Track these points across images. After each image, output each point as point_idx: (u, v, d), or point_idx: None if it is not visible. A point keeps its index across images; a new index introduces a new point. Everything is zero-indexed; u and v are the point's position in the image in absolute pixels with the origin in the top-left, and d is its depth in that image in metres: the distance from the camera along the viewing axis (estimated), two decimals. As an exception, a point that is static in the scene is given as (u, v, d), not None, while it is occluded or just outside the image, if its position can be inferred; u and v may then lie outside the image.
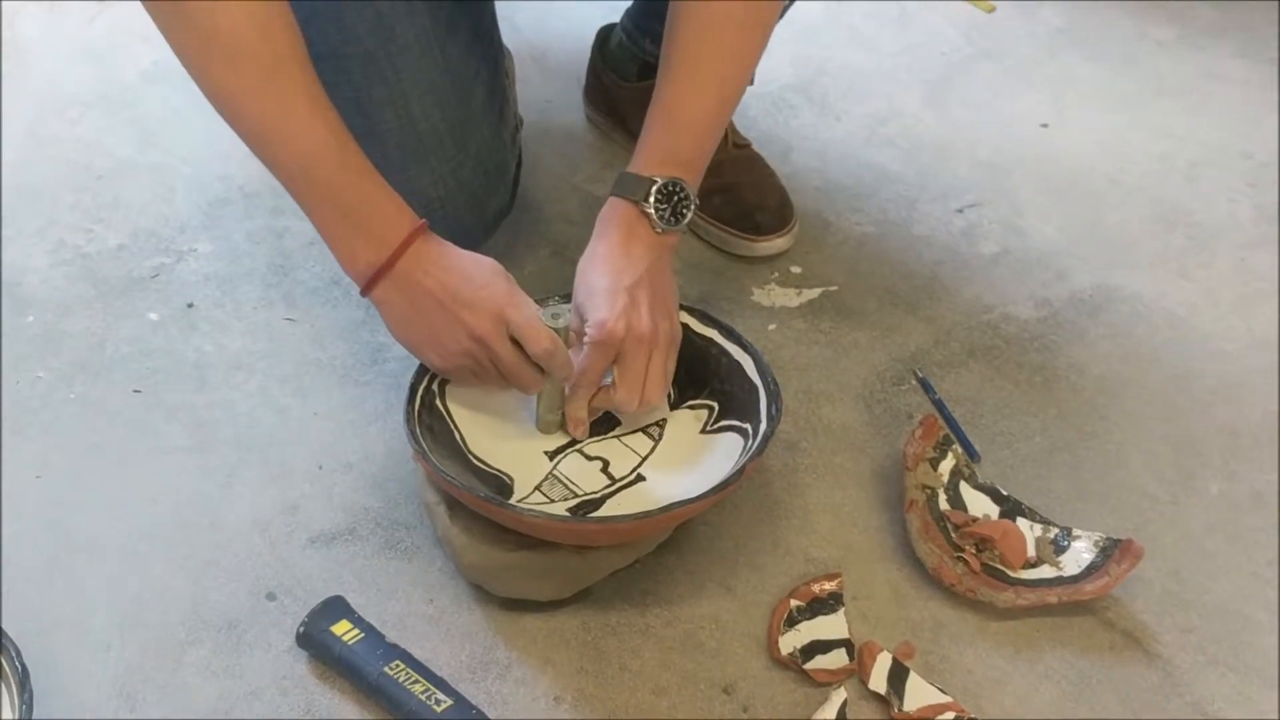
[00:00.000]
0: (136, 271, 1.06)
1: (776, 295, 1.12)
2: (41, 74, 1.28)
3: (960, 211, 1.24)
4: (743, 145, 1.18)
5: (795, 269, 1.15)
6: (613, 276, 0.86)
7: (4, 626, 0.73)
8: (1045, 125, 1.38)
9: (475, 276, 0.83)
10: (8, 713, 0.70)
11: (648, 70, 1.15)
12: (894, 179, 1.27)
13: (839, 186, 1.25)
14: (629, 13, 1.21)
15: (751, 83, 1.21)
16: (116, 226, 1.10)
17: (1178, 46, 1.53)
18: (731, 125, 1.17)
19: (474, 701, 0.76)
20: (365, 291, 0.84)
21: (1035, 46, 1.51)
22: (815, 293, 1.12)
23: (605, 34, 1.25)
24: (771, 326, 1.08)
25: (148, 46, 1.28)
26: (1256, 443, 1.01)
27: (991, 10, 1.56)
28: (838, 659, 0.82)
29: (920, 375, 1.04)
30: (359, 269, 0.83)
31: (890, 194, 1.25)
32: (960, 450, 0.94)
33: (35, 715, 0.69)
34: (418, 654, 0.79)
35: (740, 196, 1.14)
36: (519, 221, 1.12)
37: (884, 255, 1.17)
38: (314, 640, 0.78)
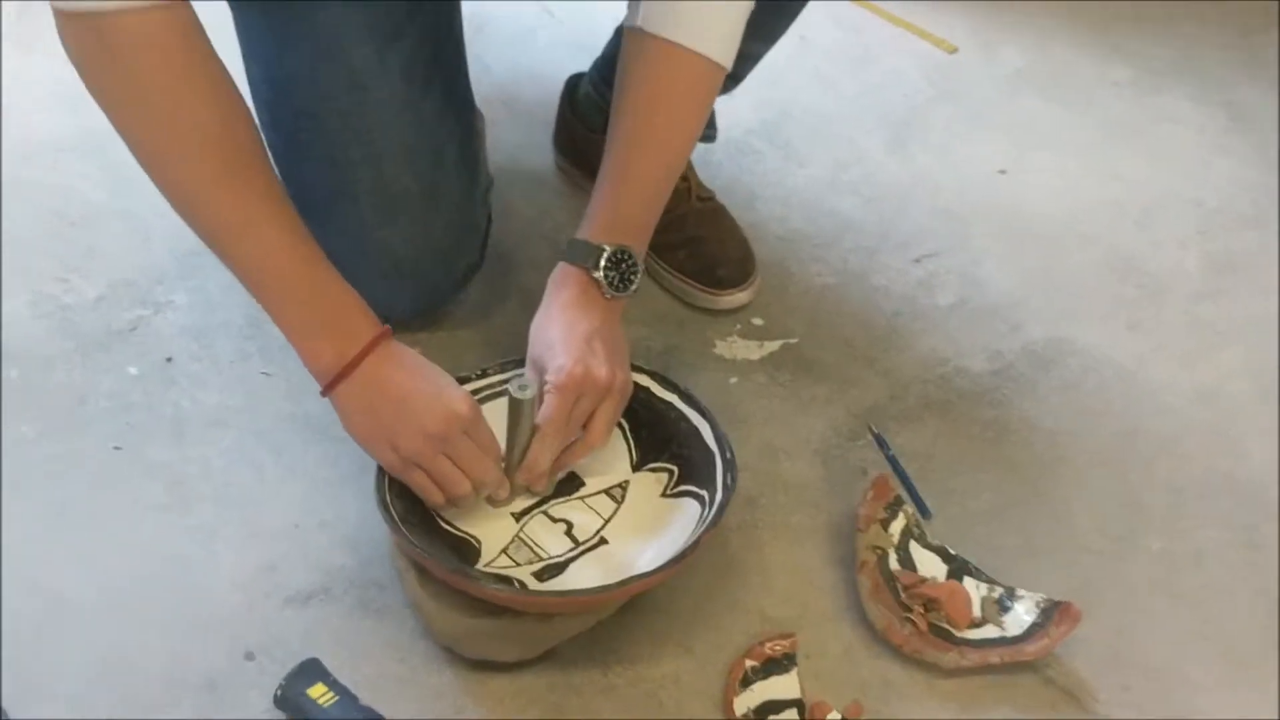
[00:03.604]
0: (115, 324, 1.08)
1: (738, 348, 1.15)
2: (13, 118, 1.29)
3: (918, 261, 1.28)
4: (706, 198, 1.21)
5: (757, 320, 1.18)
6: (567, 328, 0.90)
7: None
8: (1003, 171, 1.42)
9: (432, 380, 0.86)
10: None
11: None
12: (855, 227, 1.31)
13: (801, 235, 1.29)
14: (596, 65, 1.24)
15: (714, 139, 1.25)
16: (94, 277, 1.12)
17: (1133, 89, 1.58)
18: (695, 177, 1.21)
19: (443, 762, 0.80)
20: (326, 391, 0.86)
21: (994, 88, 1.55)
22: (776, 345, 1.16)
23: (574, 83, 1.28)
24: (733, 380, 1.12)
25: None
26: (1198, 499, 1.06)
27: (953, 51, 1.60)
28: (788, 719, 0.86)
29: (875, 431, 1.08)
30: (322, 368, 0.86)
31: (851, 243, 1.29)
32: (911, 510, 0.98)
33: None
34: (389, 714, 0.82)
35: (703, 250, 1.17)
36: (488, 272, 1.14)
37: (843, 306, 1.21)
38: (291, 703, 0.82)
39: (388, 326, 0.88)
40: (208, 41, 0.82)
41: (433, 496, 0.86)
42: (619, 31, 1.19)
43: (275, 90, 1.01)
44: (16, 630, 0.86)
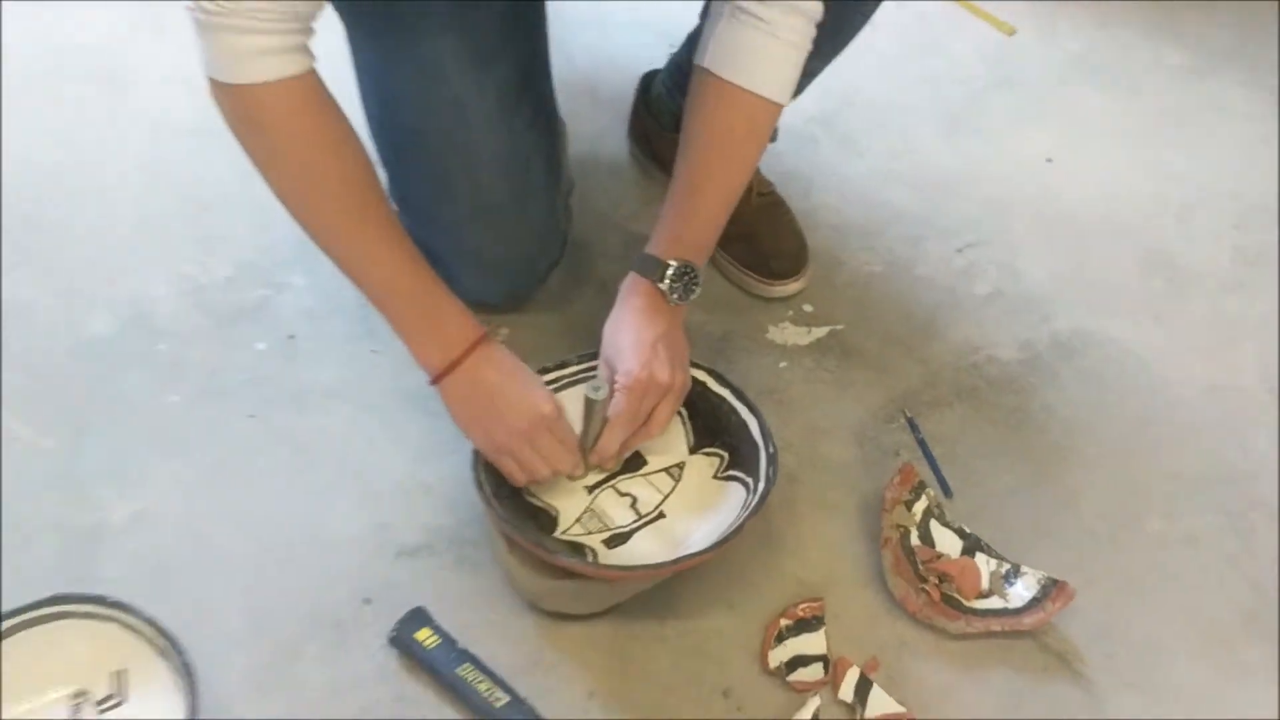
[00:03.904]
0: (243, 303, 1.25)
1: (789, 334, 1.29)
2: (147, 102, 1.44)
3: (960, 251, 1.39)
4: (766, 193, 1.33)
5: (807, 307, 1.31)
6: (635, 334, 1.04)
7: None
8: (1050, 160, 1.51)
9: (521, 381, 1.01)
10: (183, 703, 0.91)
11: (680, 122, 1.30)
12: (903, 216, 1.42)
13: (853, 224, 1.40)
14: (668, 68, 1.35)
15: (775, 139, 1.36)
16: (223, 259, 1.29)
17: (1186, 75, 1.64)
18: (758, 173, 1.33)
19: (523, 695, 0.97)
20: (433, 382, 1.02)
21: (1050, 74, 1.63)
22: (823, 331, 1.29)
23: (647, 82, 1.40)
24: (783, 364, 1.26)
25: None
26: (1197, 487, 1.19)
27: (1012, 32, 1.67)
28: (815, 672, 1.01)
29: (909, 416, 1.21)
30: (431, 365, 1.01)
31: (899, 232, 1.40)
32: (933, 492, 1.12)
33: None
34: (482, 655, 0.99)
35: (760, 243, 1.30)
36: (567, 261, 1.28)
37: (887, 295, 1.33)
38: (402, 643, 1.00)
39: (485, 331, 1.03)
40: (331, 100, 0.96)
41: (517, 479, 1.02)
42: (690, 39, 1.30)
43: (383, 107, 1.15)
44: (181, 578, 1.04)
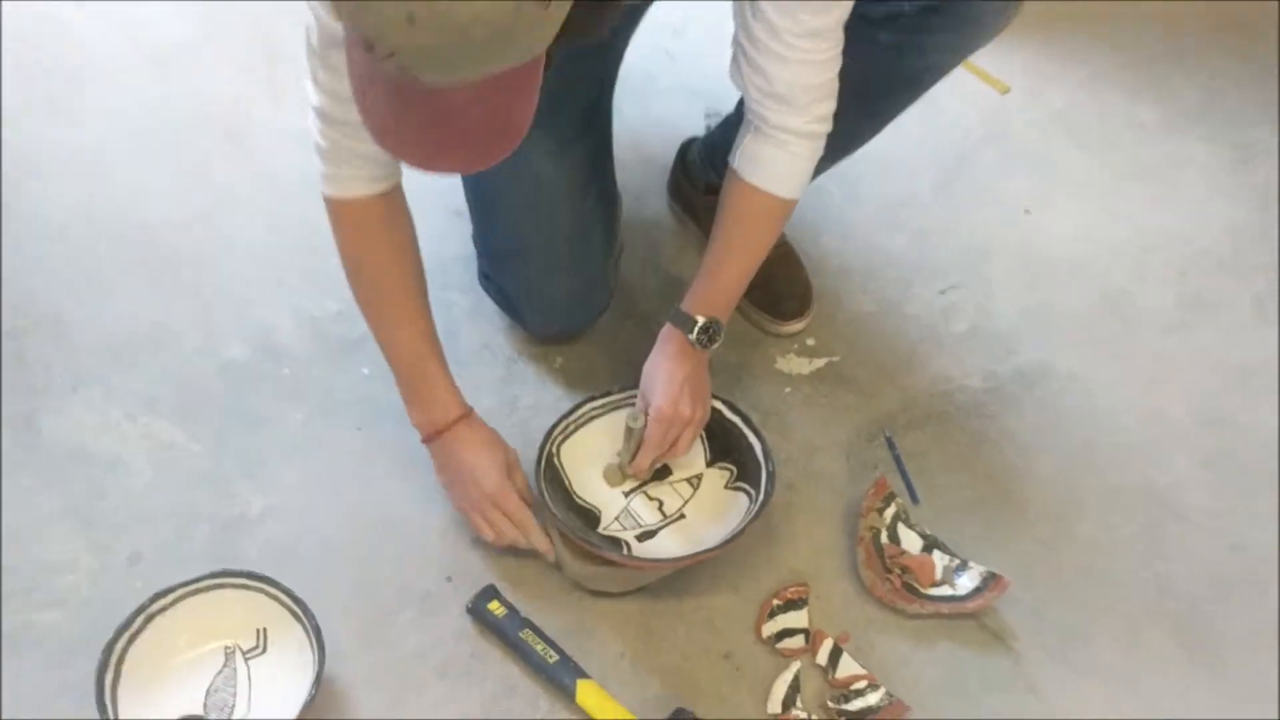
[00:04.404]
0: (351, 334, 1.53)
1: (794, 364, 1.55)
2: (270, 159, 1.73)
3: (943, 293, 1.64)
4: (780, 245, 1.59)
5: (810, 341, 1.57)
6: (667, 375, 1.32)
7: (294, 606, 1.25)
8: (1028, 211, 1.75)
9: (483, 459, 1.29)
10: (311, 654, 1.21)
11: (712, 188, 1.55)
12: (897, 261, 1.67)
13: (853, 268, 1.66)
14: (703, 141, 1.61)
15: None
16: (334, 295, 1.56)
17: (1156, 131, 1.86)
18: (772, 227, 1.58)
19: (570, 654, 1.26)
20: (423, 442, 1.32)
21: (1035, 130, 1.86)
22: (822, 362, 1.55)
23: (686, 147, 1.66)
24: (787, 390, 1.52)
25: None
26: (1124, 500, 1.43)
27: (1006, 91, 1.90)
28: (798, 642, 1.29)
29: (888, 435, 1.47)
30: (420, 430, 1.31)
31: (892, 275, 1.65)
32: (901, 501, 1.38)
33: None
34: (538, 622, 1.28)
35: (773, 288, 1.56)
36: (613, 300, 1.55)
37: (878, 332, 1.59)
38: (477, 612, 1.29)
39: (466, 411, 1.31)
40: (399, 213, 1.24)
41: (484, 533, 1.31)
42: (723, 123, 1.56)
43: (477, 175, 1.41)
44: (300, 559, 1.33)
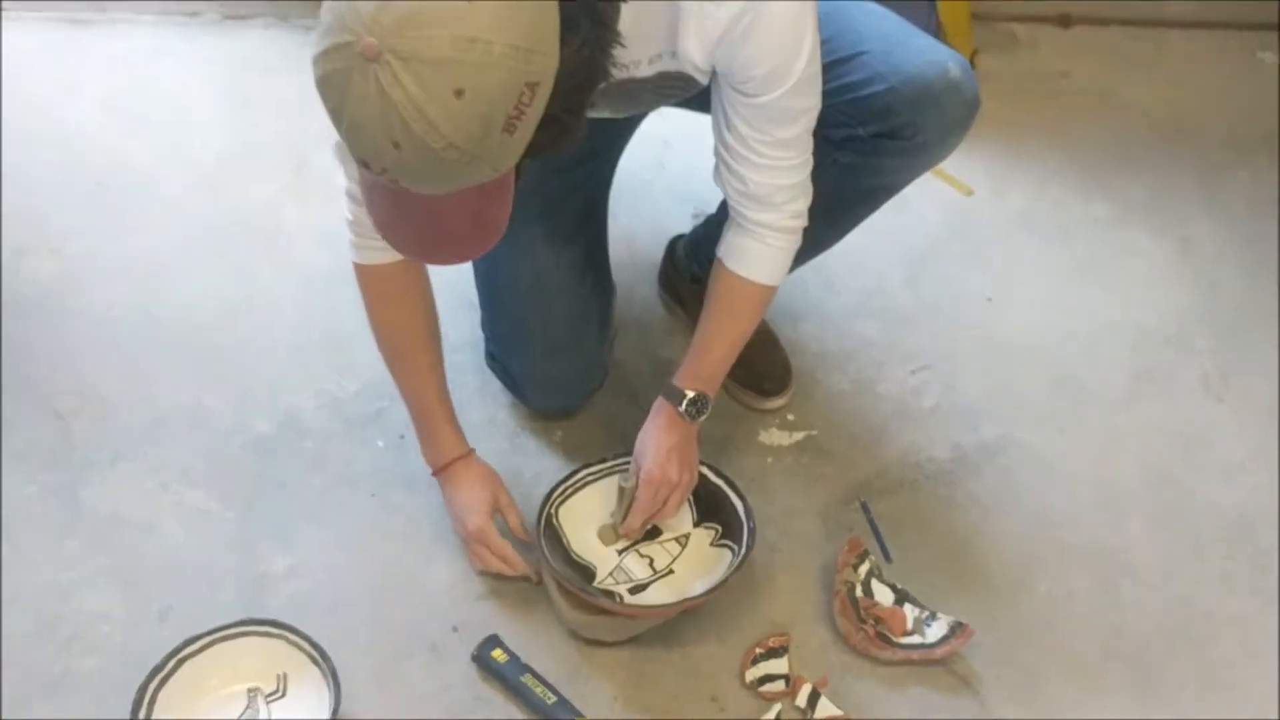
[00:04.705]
0: (367, 411, 1.68)
1: (775, 436, 1.68)
2: (296, 257, 1.90)
3: (913, 373, 1.78)
4: (762, 330, 1.73)
5: (790, 416, 1.71)
6: (657, 443, 1.45)
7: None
8: (990, 299, 1.90)
9: (471, 499, 1.46)
10: (328, 696, 1.31)
11: (697, 278, 1.71)
12: (871, 345, 1.82)
13: (830, 351, 1.80)
14: (690, 236, 1.78)
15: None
16: (353, 378, 1.71)
17: (1107, 225, 2.03)
18: (754, 313, 1.74)
19: (567, 697, 1.36)
20: (432, 475, 1.50)
21: (997, 227, 2.03)
22: (801, 435, 1.69)
23: (674, 242, 1.83)
24: (769, 459, 1.65)
25: (366, 238, 1.90)
26: (1079, 558, 1.55)
27: (969, 193, 2.08)
28: (779, 686, 1.40)
29: (863, 501, 1.60)
30: (427, 462, 1.50)
31: (866, 357, 1.80)
32: (874, 558, 1.50)
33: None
34: (537, 668, 1.39)
35: (755, 368, 1.70)
36: (607, 379, 1.70)
37: (854, 408, 1.73)
38: (481, 660, 1.40)
39: (466, 452, 1.48)
40: (417, 280, 1.41)
41: (473, 561, 1.47)
42: (707, 221, 1.73)
43: (486, 267, 1.57)
44: (323, 609, 1.45)
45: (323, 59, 0.93)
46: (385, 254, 1.34)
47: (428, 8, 0.89)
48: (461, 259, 1.13)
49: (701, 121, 1.38)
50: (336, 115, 0.95)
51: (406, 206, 1.04)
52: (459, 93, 0.90)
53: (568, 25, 0.96)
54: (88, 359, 1.73)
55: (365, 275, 1.39)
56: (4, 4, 2.37)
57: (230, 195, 2.01)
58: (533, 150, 1.00)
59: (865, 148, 1.38)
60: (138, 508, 1.55)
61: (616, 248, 1.82)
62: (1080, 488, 1.64)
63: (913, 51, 1.35)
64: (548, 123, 0.98)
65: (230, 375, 1.72)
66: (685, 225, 1.89)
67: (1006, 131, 2.16)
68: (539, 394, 1.64)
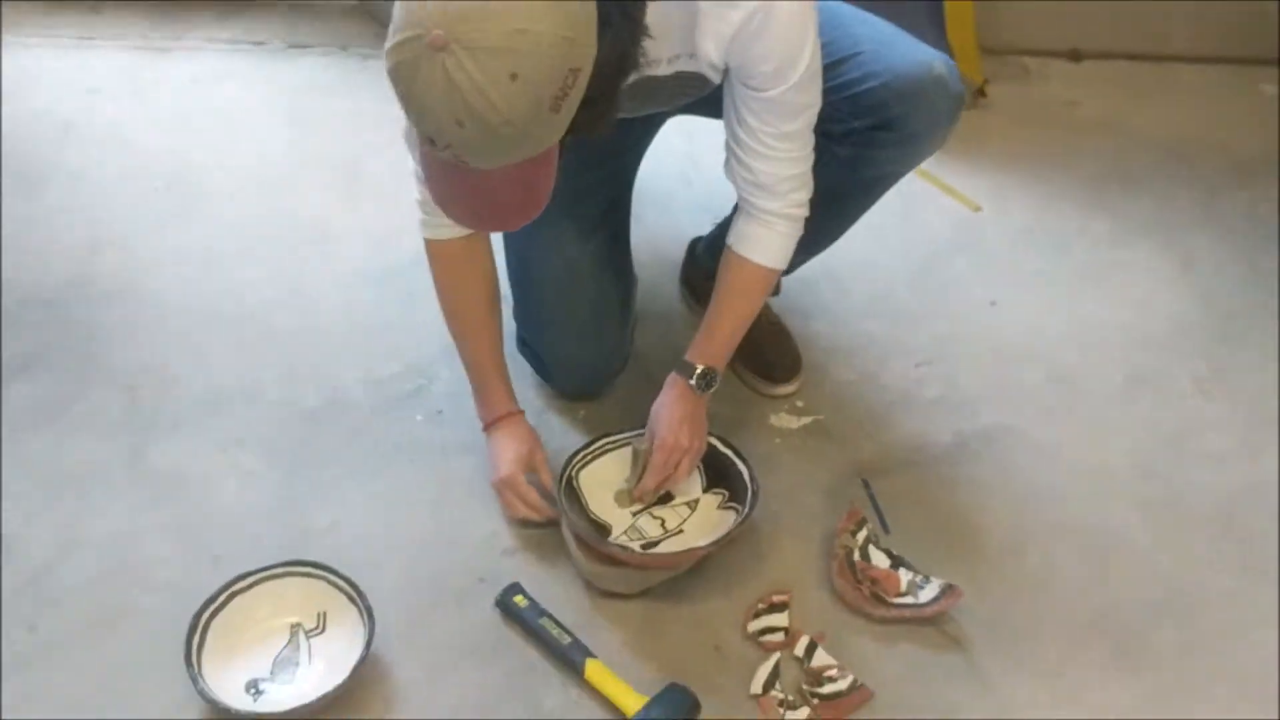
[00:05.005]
0: (406, 389, 1.82)
1: (784, 420, 1.80)
2: (347, 256, 2.06)
3: (917, 367, 1.89)
4: (774, 322, 1.86)
5: (799, 403, 1.83)
6: (669, 412, 1.58)
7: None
8: (993, 303, 2.01)
9: (508, 452, 1.60)
10: (362, 632, 1.43)
11: (713, 275, 1.82)
12: (876, 341, 1.93)
13: (838, 347, 1.92)
14: (709, 237, 1.91)
15: (778, 293, 1.89)
16: (394, 360, 1.86)
17: (1107, 241, 2.14)
18: (769, 310, 1.86)
19: (582, 640, 1.47)
20: (482, 430, 1.64)
21: (1001, 241, 2.15)
22: (809, 419, 1.80)
23: (694, 243, 1.96)
24: (778, 440, 1.77)
25: (412, 239, 2.04)
26: (1069, 534, 1.64)
27: (977, 209, 2.20)
28: (778, 637, 1.50)
29: (864, 478, 1.71)
30: (480, 417, 1.64)
31: (872, 352, 1.91)
32: (871, 526, 1.61)
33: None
34: (555, 613, 1.50)
35: (766, 357, 1.83)
36: (631, 364, 1.82)
37: (859, 396, 1.84)
38: (504, 605, 1.51)
39: (512, 410, 1.62)
40: (479, 250, 1.55)
41: (506, 511, 1.61)
42: (723, 222, 1.86)
43: (518, 260, 1.72)
44: (357, 559, 1.57)
45: (394, 51, 1.08)
46: (451, 230, 1.50)
47: (487, 5, 1.04)
48: (511, 226, 1.28)
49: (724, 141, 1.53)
50: (406, 99, 1.10)
51: (465, 182, 1.18)
52: (514, 76, 1.05)
53: (603, 20, 1.11)
54: (153, 339, 1.89)
55: (433, 249, 1.55)
56: (96, 34, 2.60)
57: (286, 200, 2.18)
58: (574, 128, 1.15)
59: (862, 140, 1.51)
60: (196, 468, 1.69)
61: (642, 250, 1.96)
62: (1074, 473, 1.73)
63: (903, 51, 1.49)
64: (587, 104, 1.13)
65: (281, 356, 1.87)
66: (705, 230, 2.03)
67: (1014, 153, 2.29)
68: (565, 376, 1.77)
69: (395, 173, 2.19)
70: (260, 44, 2.62)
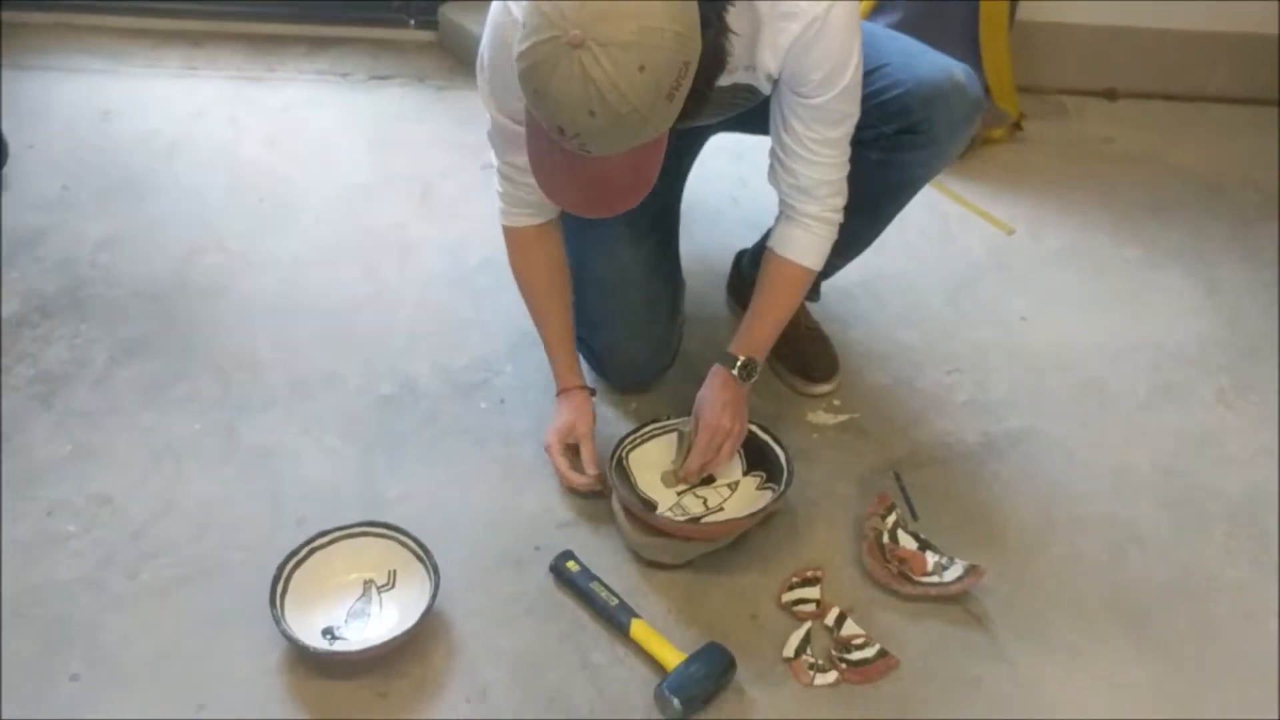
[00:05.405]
0: (473, 379, 1.98)
1: (821, 417, 1.92)
2: (421, 264, 2.24)
3: (948, 373, 2.01)
4: (813, 327, 2.00)
5: (836, 402, 1.95)
6: (713, 398, 1.71)
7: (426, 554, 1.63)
8: (1024, 319, 2.13)
9: (562, 420, 1.75)
10: (428, 589, 1.57)
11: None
12: (911, 350, 2.06)
13: (874, 353, 2.05)
14: (753, 249, 2.06)
15: (818, 299, 2.03)
16: (463, 354, 2.02)
17: (1139, 265, 2.25)
18: (807, 315, 2.00)
19: (630, 604, 1.60)
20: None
21: (1034, 262, 2.26)
22: (845, 418, 1.92)
23: (740, 255, 2.11)
24: (815, 435, 1.89)
25: (483, 246, 2.22)
26: (1092, 527, 1.74)
27: (1011, 232, 2.32)
28: (810, 608, 1.61)
29: (895, 471, 1.82)
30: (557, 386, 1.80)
31: (906, 359, 2.04)
32: (900, 510, 1.72)
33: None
34: (605, 578, 1.63)
35: (805, 359, 1.96)
36: (679, 364, 1.96)
37: (893, 398, 1.96)
38: (557, 570, 1.65)
39: (577, 384, 1.78)
40: (553, 237, 1.73)
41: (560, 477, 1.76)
42: (765, 235, 2.01)
43: (577, 260, 1.87)
44: (426, 527, 1.72)
45: (529, 52, 1.23)
46: (527, 219, 1.68)
47: (618, 5, 1.21)
48: (618, 209, 1.40)
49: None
50: (542, 94, 1.24)
51: (581, 170, 1.34)
52: (641, 68, 1.21)
53: (704, 21, 1.28)
54: (245, 331, 2.07)
55: (510, 236, 1.73)
56: (198, 65, 2.83)
57: (366, 213, 2.37)
58: (682, 116, 1.31)
59: (889, 144, 1.65)
60: (282, 444, 1.86)
61: (692, 262, 2.11)
62: (1097, 472, 1.83)
63: (925, 61, 1.63)
64: (692, 94, 1.29)
65: (359, 349, 2.04)
66: (749, 243, 2.17)
67: (1049, 182, 2.41)
68: (617, 371, 1.92)
69: (465, 191, 2.40)
70: (345, 75, 2.84)
